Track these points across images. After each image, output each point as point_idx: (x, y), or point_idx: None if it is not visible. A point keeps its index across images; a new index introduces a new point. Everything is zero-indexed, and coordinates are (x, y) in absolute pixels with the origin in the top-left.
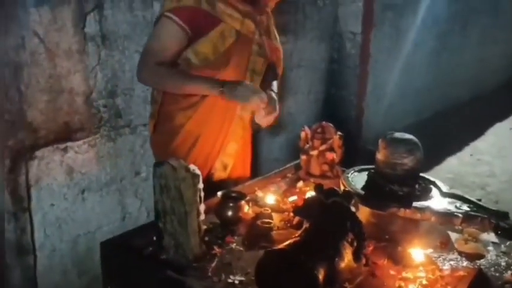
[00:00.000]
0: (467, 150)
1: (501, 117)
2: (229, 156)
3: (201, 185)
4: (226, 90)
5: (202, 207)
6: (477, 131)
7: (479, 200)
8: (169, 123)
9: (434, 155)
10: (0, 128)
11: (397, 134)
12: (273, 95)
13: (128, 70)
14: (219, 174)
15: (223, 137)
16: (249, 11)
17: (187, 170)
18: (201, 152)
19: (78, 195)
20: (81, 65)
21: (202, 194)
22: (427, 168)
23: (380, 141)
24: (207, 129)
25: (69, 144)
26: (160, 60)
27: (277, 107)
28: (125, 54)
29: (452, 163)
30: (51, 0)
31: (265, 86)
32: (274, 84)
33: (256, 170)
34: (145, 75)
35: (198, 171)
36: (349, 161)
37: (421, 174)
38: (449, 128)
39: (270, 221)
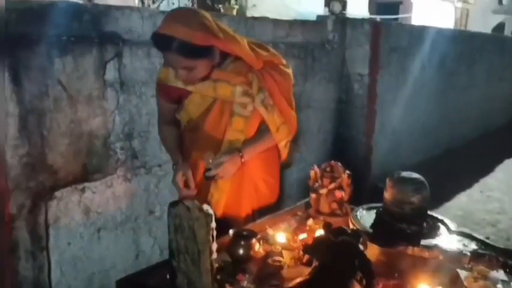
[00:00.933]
0: (476, 187)
1: (510, 154)
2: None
3: (213, 224)
4: (175, 168)
5: (214, 246)
6: (486, 168)
7: (488, 238)
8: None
9: (444, 192)
10: (22, 171)
11: (404, 173)
12: (222, 158)
13: (145, 114)
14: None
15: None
16: (220, 77)
17: (201, 210)
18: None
19: (94, 234)
20: (100, 109)
21: (214, 233)
22: (437, 205)
23: (387, 180)
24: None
25: (86, 184)
26: (164, 121)
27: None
28: (142, 99)
29: (462, 200)
30: (74, 50)
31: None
32: (257, 142)
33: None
34: (158, 132)
35: (210, 211)
36: (358, 198)
37: (429, 213)
38: (458, 165)
39: (281, 259)
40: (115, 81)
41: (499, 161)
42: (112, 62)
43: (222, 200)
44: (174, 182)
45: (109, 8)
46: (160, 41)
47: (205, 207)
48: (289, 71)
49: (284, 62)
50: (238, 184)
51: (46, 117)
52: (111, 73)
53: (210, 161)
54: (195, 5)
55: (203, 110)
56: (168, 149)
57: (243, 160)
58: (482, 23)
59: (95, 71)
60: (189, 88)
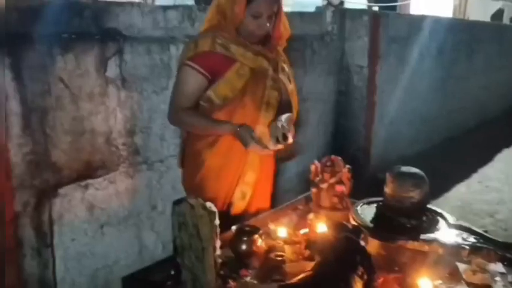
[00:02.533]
0: (475, 177)
1: (508, 143)
2: (248, 185)
3: (217, 222)
4: (240, 133)
5: (218, 243)
6: (485, 158)
7: (486, 231)
8: (195, 159)
9: (443, 182)
10: (26, 168)
11: (404, 168)
12: (278, 124)
13: (146, 110)
14: (238, 203)
15: (242, 167)
16: (260, 50)
17: (204, 207)
18: (223, 183)
19: (98, 230)
20: (102, 106)
21: (218, 230)
22: (436, 195)
23: (387, 175)
24: (227, 162)
25: (89, 181)
26: (185, 106)
27: (286, 128)
28: (143, 95)
29: (461, 190)
30: (76, 48)
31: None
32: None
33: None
34: (174, 120)
35: (214, 209)
36: (358, 189)
37: (428, 206)
38: (457, 154)
39: (283, 253)
40: (116, 77)
41: (498, 150)
42: (113, 59)
43: (249, 194)
44: (254, 143)
45: (109, 4)
46: None
47: (209, 204)
48: None
49: None
50: (263, 175)
51: (49, 115)
52: (112, 70)
53: (280, 125)
54: None
55: (243, 83)
56: (205, 126)
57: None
58: (482, 10)
59: (96, 68)
60: (237, 55)
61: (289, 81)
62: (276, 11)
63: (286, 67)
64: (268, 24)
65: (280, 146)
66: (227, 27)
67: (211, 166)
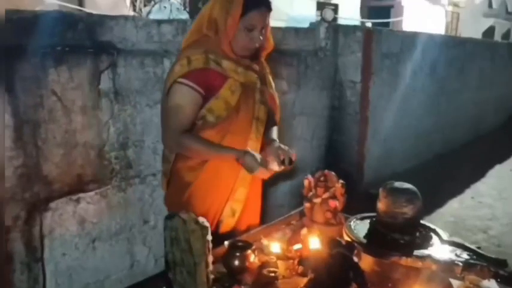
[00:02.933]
0: (468, 193)
1: (501, 159)
2: (238, 202)
3: (209, 237)
4: (244, 160)
5: (210, 258)
6: (477, 173)
7: (479, 248)
8: (180, 181)
9: (436, 197)
10: (17, 182)
11: (397, 184)
12: (280, 146)
13: (139, 123)
14: (228, 220)
15: (232, 184)
16: (249, 64)
17: (197, 222)
18: (212, 201)
19: (89, 245)
20: (95, 119)
21: (210, 245)
22: (429, 211)
23: (380, 190)
24: (218, 180)
25: (81, 195)
26: (183, 128)
27: (290, 151)
28: (136, 108)
29: (453, 206)
30: (69, 60)
31: (266, 132)
32: (274, 130)
33: (262, 216)
34: (173, 145)
35: (206, 224)
36: (351, 204)
37: (422, 222)
38: (449, 170)
39: (276, 269)
40: (109, 90)
41: (490, 166)
42: (106, 72)
43: (239, 211)
44: (261, 168)
45: (103, 17)
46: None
47: (201, 219)
48: None
49: None
50: (253, 192)
51: (41, 128)
52: (105, 83)
53: (283, 147)
54: (187, 9)
55: (236, 99)
56: (208, 152)
57: None
58: (473, 27)
59: (89, 81)
60: (229, 71)
61: (273, 91)
62: (267, 23)
63: (270, 78)
64: (261, 38)
65: (284, 168)
66: (218, 41)
67: (200, 185)
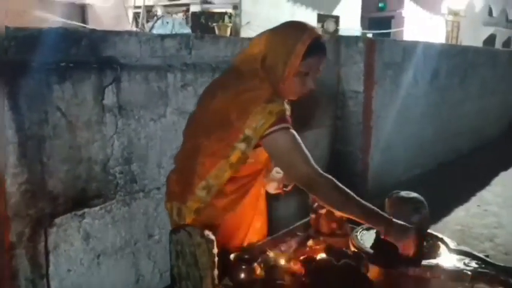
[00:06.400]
0: (474, 201)
1: (505, 167)
2: (256, 231)
3: (215, 250)
4: (392, 230)
5: (216, 272)
6: (482, 181)
7: (487, 256)
8: (208, 221)
9: (442, 206)
10: (21, 198)
11: (403, 193)
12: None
13: (143, 137)
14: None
15: (252, 216)
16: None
17: (202, 235)
18: (236, 239)
19: (94, 260)
20: (99, 134)
21: (216, 259)
22: (436, 220)
23: (386, 200)
24: (241, 221)
25: (86, 210)
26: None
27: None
28: (140, 122)
29: (459, 214)
30: (73, 76)
31: None
32: None
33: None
34: (316, 187)
35: (212, 237)
36: None
37: (429, 231)
38: (454, 179)
39: (282, 281)
40: (113, 105)
41: (495, 174)
42: (110, 87)
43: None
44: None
45: (107, 33)
46: (324, 48)
47: (207, 232)
48: None
49: None
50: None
51: (45, 144)
52: (109, 98)
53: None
54: (189, 24)
55: None
56: (362, 211)
57: None
58: (473, 35)
59: (93, 96)
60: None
61: None
62: (321, 69)
63: None
64: (313, 83)
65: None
66: (273, 83)
67: (223, 229)
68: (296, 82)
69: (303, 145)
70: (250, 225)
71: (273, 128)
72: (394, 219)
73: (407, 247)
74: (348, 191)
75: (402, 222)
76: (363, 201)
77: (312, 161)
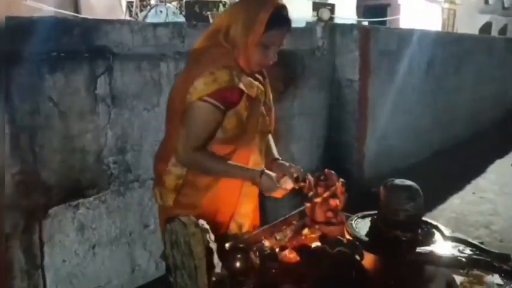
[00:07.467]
0: (469, 189)
1: (501, 154)
2: (245, 216)
3: (212, 237)
4: (262, 181)
5: (215, 259)
6: (478, 169)
7: (482, 243)
8: (187, 199)
9: (437, 194)
10: (15, 189)
11: (398, 181)
12: (291, 164)
13: (137, 127)
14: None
15: (235, 201)
16: (256, 77)
17: (197, 225)
18: (219, 220)
19: (89, 251)
20: (92, 124)
21: (214, 246)
22: (431, 207)
23: (381, 188)
24: (221, 203)
25: (80, 201)
26: (201, 144)
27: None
28: (134, 112)
29: (455, 202)
30: (65, 66)
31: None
32: (273, 145)
33: (263, 217)
34: (189, 161)
35: (206, 226)
36: (351, 202)
37: (424, 218)
38: (450, 166)
39: (277, 270)
40: (106, 95)
41: (490, 161)
42: (103, 77)
43: (247, 225)
44: (279, 189)
45: (99, 21)
46: (288, 20)
47: (201, 222)
48: None
49: None
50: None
51: (38, 134)
52: (102, 88)
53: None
54: (183, 12)
55: (247, 113)
56: (225, 171)
57: None
58: (470, 23)
59: (86, 86)
60: (245, 87)
61: (271, 104)
62: (283, 43)
63: (270, 90)
64: (275, 55)
65: (298, 186)
66: (235, 56)
67: (207, 204)
68: (258, 53)
69: (209, 126)
70: (236, 207)
71: (205, 98)
72: (265, 172)
73: (276, 195)
74: (214, 159)
75: (273, 175)
76: (234, 165)
77: (202, 140)
